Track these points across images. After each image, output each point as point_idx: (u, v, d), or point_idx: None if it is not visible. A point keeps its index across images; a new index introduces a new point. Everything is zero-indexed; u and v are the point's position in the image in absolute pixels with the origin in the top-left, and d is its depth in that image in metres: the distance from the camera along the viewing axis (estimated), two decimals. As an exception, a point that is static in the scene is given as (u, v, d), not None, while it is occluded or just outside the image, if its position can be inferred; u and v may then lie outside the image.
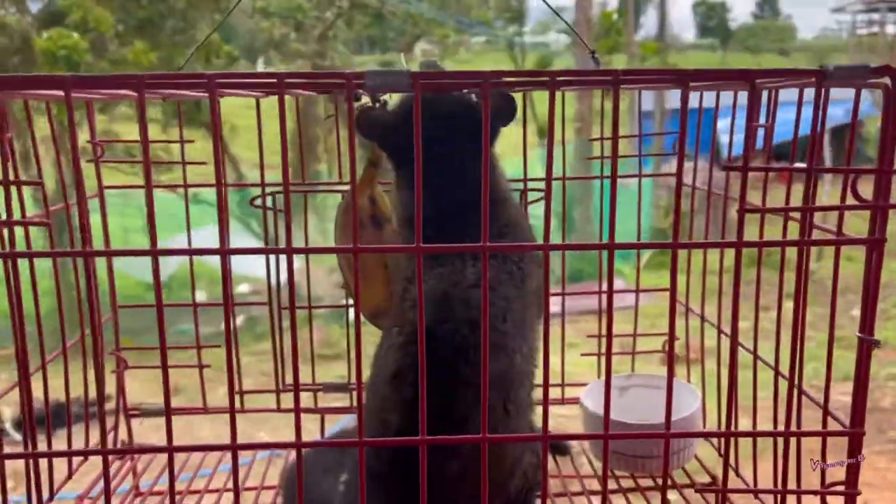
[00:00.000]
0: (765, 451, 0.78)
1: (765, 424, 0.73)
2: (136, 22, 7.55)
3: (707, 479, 0.90)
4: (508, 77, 0.56)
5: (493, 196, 0.66)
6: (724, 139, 0.72)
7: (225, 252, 0.57)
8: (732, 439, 0.75)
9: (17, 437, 3.07)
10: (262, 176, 0.98)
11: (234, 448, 0.58)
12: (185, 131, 1.06)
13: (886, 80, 0.56)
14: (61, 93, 0.55)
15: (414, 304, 0.73)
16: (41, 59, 6.48)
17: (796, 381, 0.71)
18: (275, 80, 0.54)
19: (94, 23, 6.86)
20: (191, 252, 0.70)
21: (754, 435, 0.65)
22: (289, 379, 1.08)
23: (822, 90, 0.59)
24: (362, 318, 0.82)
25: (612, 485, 0.95)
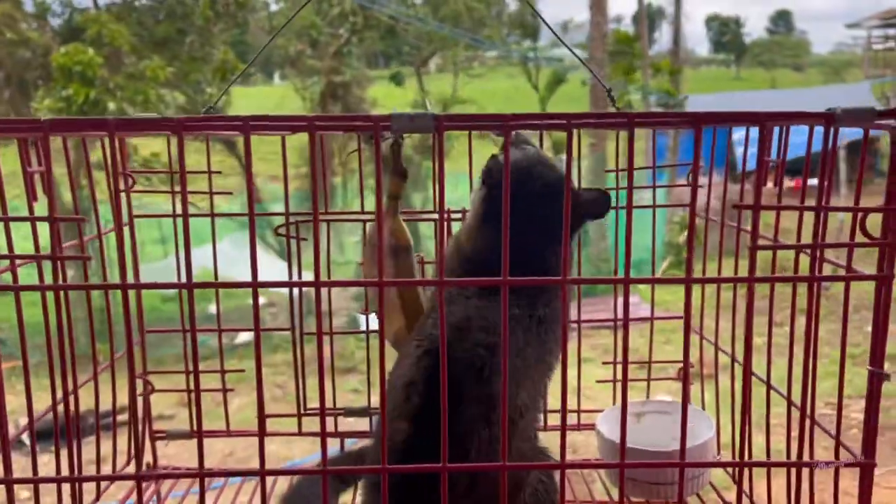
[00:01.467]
0: (778, 472, 0.80)
1: (778, 442, 0.74)
2: (154, 38, 7.67)
3: (721, 504, 0.91)
4: (528, 120, 0.58)
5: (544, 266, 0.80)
6: (738, 151, 0.74)
7: (256, 286, 0.59)
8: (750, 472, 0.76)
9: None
10: (287, 206, 1.01)
11: (262, 474, 0.61)
12: (218, 154, 1.08)
13: (893, 122, 0.58)
14: (105, 133, 0.58)
15: (436, 323, 0.76)
16: (57, 73, 6.60)
17: (808, 411, 0.72)
18: (305, 124, 0.57)
19: (109, 38, 6.98)
20: (220, 285, 0.73)
21: (768, 465, 0.66)
22: (310, 403, 1.10)
23: (832, 130, 0.61)
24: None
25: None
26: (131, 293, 0.97)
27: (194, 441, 0.66)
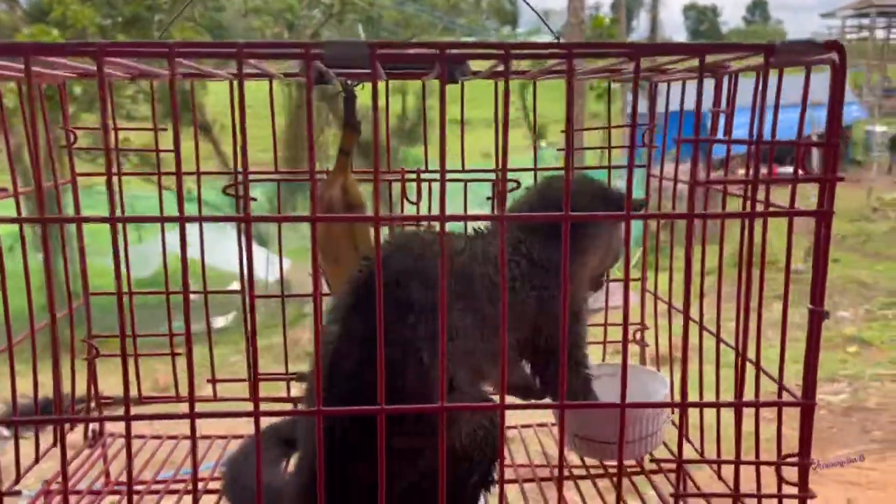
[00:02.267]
0: (729, 426, 0.79)
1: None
2: (122, 18, 7.54)
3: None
4: (464, 49, 0.57)
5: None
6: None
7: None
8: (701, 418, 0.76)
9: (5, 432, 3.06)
10: (235, 163, 0.98)
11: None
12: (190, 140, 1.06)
13: (834, 56, 0.58)
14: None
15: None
16: (20, 56, 6.44)
17: (755, 358, 0.71)
18: (234, 50, 0.55)
19: (73, 19, 6.84)
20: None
21: (707, 405, 0.66)
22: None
23: (775, 68, 0.60)
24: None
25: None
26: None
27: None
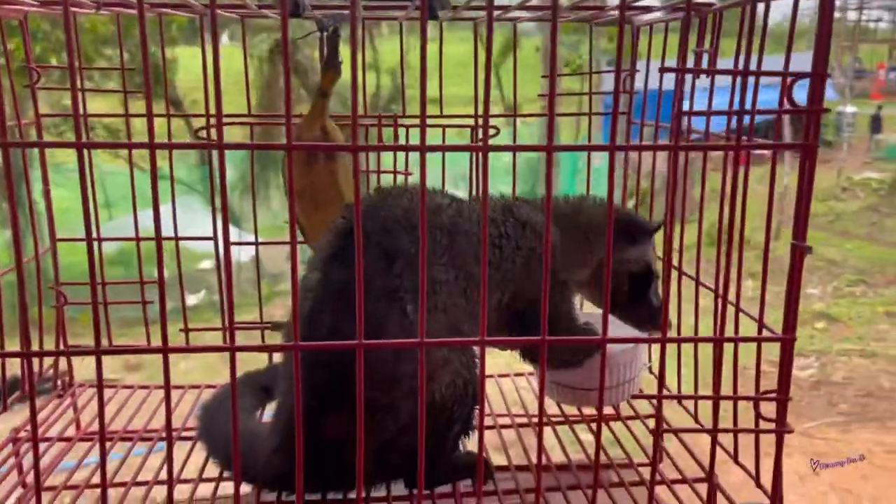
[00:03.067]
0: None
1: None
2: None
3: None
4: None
5: None
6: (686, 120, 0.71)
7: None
8: (679, 358, 0.76)
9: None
10: (207, 106, 0.95)
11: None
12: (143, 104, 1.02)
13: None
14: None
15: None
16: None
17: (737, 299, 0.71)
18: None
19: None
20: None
21: (686, 340, 0.65)
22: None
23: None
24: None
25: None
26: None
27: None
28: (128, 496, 0.79)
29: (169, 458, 0.63)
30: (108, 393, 0.98)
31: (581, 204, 0.90)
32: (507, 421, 0.97)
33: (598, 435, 0.67)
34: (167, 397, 0.61)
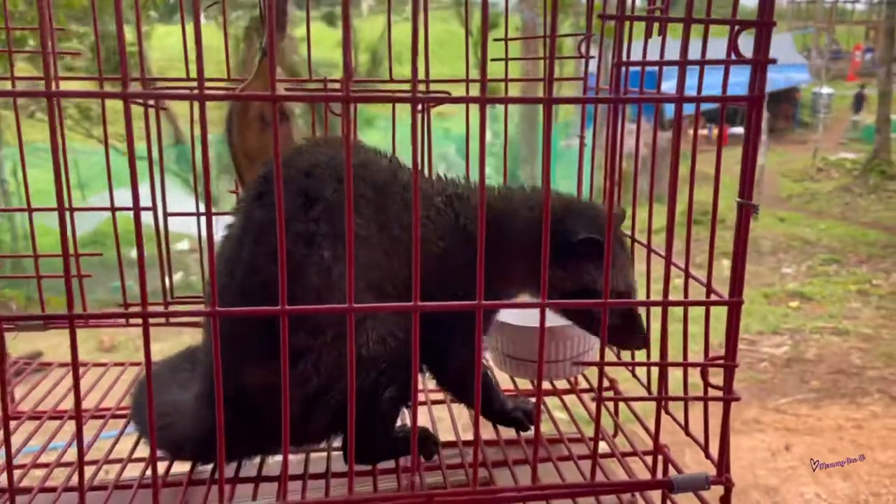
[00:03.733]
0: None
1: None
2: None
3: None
4: None
5: None
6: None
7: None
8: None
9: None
10: (143, 69, 0.90)
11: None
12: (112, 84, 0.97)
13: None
14: None
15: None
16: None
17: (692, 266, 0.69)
18: None
19: None
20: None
21: (632, 304, 0.63)
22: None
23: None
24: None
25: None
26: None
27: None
28: (99, 473, 0.75)
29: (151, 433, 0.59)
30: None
31: (511, 200, 0.81)
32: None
33: (537, 408, 0.65)
34: (148, 365, 0.57)
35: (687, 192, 0.66)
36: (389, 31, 1.08)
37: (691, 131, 0.70)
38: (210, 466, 0.74)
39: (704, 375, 0.65)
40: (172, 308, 1.02)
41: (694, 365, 0.64)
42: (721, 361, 0.62)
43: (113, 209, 0.94)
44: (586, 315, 0.79)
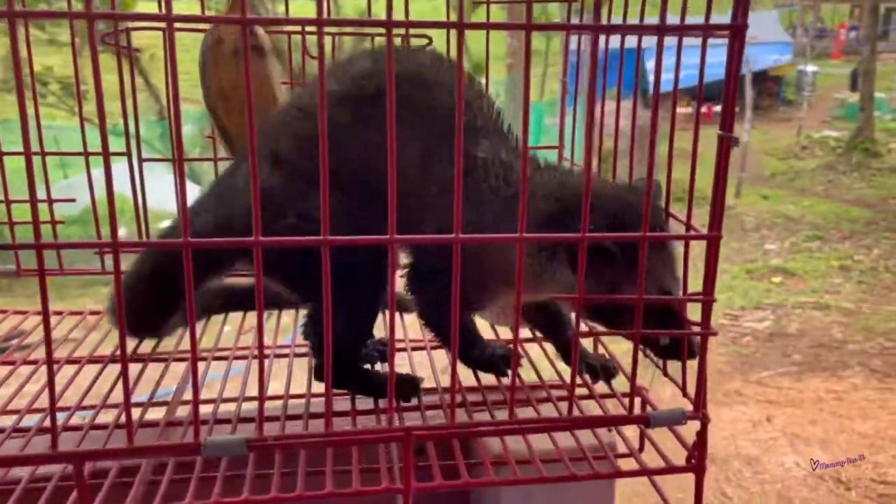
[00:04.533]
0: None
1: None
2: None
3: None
4: None
5: None
6: (650, 79, 0.64)
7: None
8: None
9: None
10: (114, 5, 0.88)
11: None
12: (101, 58, 0.94)
13: None
14: None
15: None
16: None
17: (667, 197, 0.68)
18: None
19: None
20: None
21: (609, 238, 0.62)
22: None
23: None
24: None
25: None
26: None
27: None
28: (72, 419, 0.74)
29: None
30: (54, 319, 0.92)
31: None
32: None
33: (514, 353, 0.65)
34: (119, 294, 0.55)
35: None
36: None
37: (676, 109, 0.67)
38: (187, 412, 0.74)
39: (682, 311, 0.65)
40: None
41: (672, 300, 0.64)
42: (700, 297, 0.62)
43: (86, 154, 0.93)
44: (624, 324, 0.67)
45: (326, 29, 0.80)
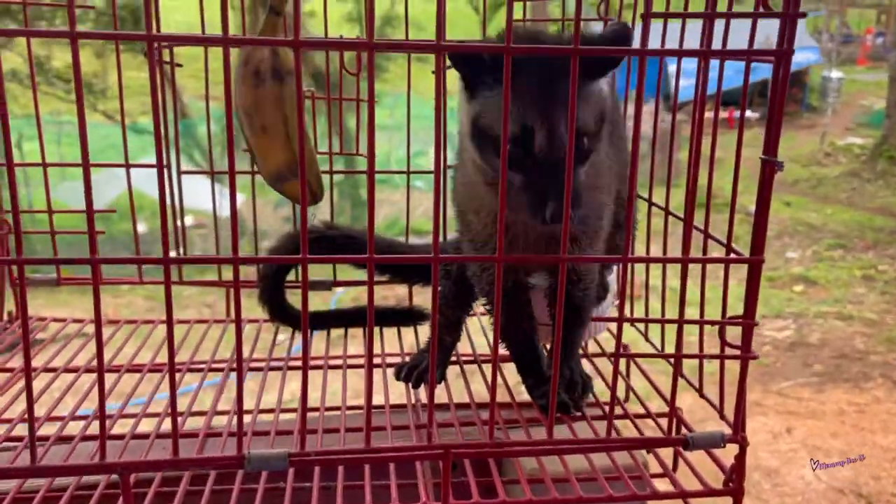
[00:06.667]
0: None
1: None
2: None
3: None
4: None
5: None
6: (672, 83, 0.64)
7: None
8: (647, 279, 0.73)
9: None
10: (149, 23, 0.89)
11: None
12: (123, 57, 0.96)
13: None
14: None
15: None
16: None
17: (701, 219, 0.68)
18: None
19: None
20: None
21: (653, 261, 0.62)
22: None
23: None
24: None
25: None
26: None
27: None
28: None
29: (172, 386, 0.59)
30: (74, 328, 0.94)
31: None
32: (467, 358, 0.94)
33: (555, 369, 0.64)
34: (169, 317, 0.56)
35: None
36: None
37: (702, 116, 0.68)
38: (225, 421, 0.75)
39: (722, 334, 0.65)
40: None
41: (712, 323, 0.64)
42: (740, 320, 0.62)
43: (127, 165, 0.94)
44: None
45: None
